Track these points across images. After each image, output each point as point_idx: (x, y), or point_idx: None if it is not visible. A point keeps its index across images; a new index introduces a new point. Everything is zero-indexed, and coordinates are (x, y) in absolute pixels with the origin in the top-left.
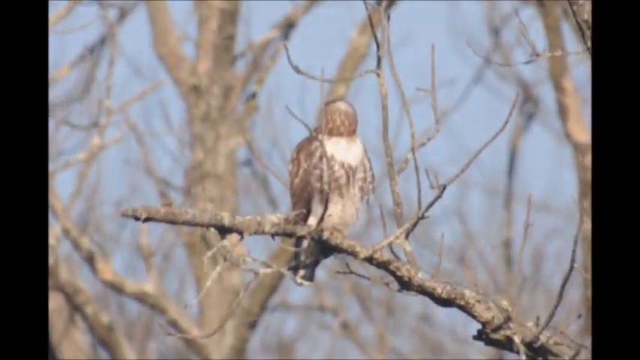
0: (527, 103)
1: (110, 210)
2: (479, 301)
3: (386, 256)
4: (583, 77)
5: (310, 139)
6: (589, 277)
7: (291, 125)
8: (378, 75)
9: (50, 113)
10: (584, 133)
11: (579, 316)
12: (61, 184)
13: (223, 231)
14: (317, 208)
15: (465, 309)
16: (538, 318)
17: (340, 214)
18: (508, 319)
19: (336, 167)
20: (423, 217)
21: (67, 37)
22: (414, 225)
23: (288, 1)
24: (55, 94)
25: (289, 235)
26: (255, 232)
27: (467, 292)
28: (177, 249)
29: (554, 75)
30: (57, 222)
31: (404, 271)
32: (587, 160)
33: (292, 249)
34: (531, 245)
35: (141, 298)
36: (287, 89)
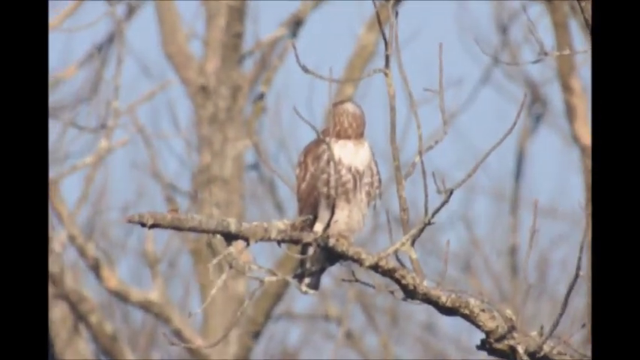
0: (535, 104)
1: (117, 215)
2: (483, 310)
3: (391, 263)
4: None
5: (318, 142)
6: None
7: (298, 126)
8: (386, 74)
9: (57, 115)
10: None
11: (583, 326)
12: (68, 189)
13: (229, 237)
14: (324, 214)
15: (469, 318)
16: (542, 327)
17: (347, 219)
18: (512, 328)
19: (344, 171)
20: (429, 224)
21: (74, 35)
22: (421, 231)
23: None
24: (62, 94)
25: (295, 241)
26: (262, 239)
27: (471, 301)
28: (182, 256)
29: (562, 74)
30: (63, 228)
31: (409, 279)
32: None
33: (298, 256)
34: (537, 252)
35: (145, 306)
36: (295, 88)
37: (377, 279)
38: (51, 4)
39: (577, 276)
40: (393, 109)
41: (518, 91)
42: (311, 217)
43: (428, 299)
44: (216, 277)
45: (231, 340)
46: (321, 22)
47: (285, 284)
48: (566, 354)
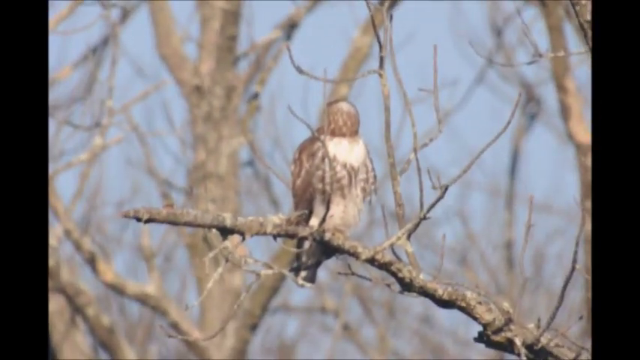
0: (530, 104)
1: (112, 211)
2: (480, 303)
3: (388, 257)
4: (585, 77)
5: (312, 140)
6: (590, 278)
7: (293, 126)
8: (380, 75)
9: (52, 114)
10: (586, 134)
11: (580, 318)
12: (63, 185)
13: (225, 232)
14: (319, 209)
15: (466, 310)
16: (539, 320)
17: (342, 214)
18: (509, 320)
19: (338, 168)
20: (424, 218)
21: (69, 38)
22: (416, 226)
23: (291, 0)
24: (57, 94)
25: (291, 236)
26: (257, 233)
27: (468, 294)
28: (178, 250)
29: (556, 75)
30: (58, 223)
31: (405, 273)
32: (589, 160)
33: (294, 250)
34: (533, 246)
35: (142, 299)
36: (289, 90)
37: (374, 272)
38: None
39: (573, 269)
40: (387, 109)
41: (512, 92)
42: (306, 212)
43: (424, 292)
44: (213, 271)
45: (228, 333)
46: (315, 25)
47: (282, 277)
48: (563, 346)
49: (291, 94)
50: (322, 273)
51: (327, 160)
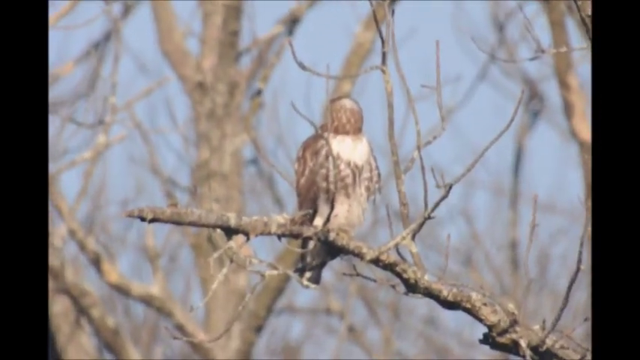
0: (533, 101)
1: (116, 210)
2: (485, 304)
3: (392, 257)
4: (588, 74)
5: (316, 138)
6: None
7: (296, 122)
8: (383, 71)
9: (55, 111)
10: (589, 131)
11: (586, 319)
12: (67, 184)
13: (229, 232)
14: (323, 208)
15: (471, 312)
16: (544, 321)
17: (346, 214)
18: (514, 322)
19: (342, 166)
20: (429, 218)
21: (71, 33)
22: (421, 225)
23: None
24: (59, 91)
25: (296, 236)
26: (262, 233)
27: (473, 295)
28: (183, 250)
29: (559, 71)
30: (63, 223)
31: (410, 273)
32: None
33: (299, 250)
34: (537, 246)
35: (147, 300)
36: (292, 86)
37: (378, 273)
38: (49, 3)
39: (578, 270)
40: (390, 106)
41: (515, 88)
42: (311, 211)
43: (429, 293)
44: (217, 272)
45: (233, 335)
46: (317, 21)
47: (287, 278)
48: (568, 348)
49: (293, 90)
50: (327, 274)
51: (330, 159)
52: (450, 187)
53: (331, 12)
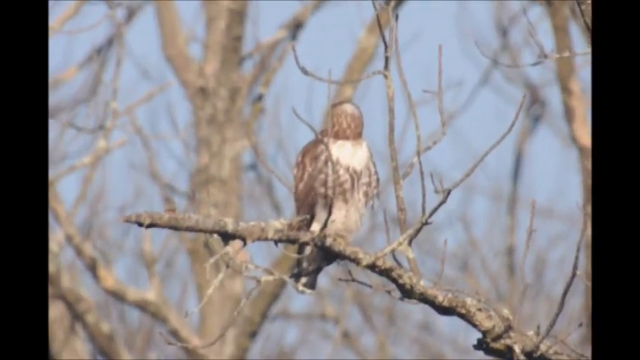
0: (534, 105)
1: (114, 215)
2: (480, 310)
3: (388, 263)
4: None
5: (316, 143)
6: (590, 284)
7: (297, 127)
8: (385, 76)
9: (56, 116)
10: (589, 137)
11: (580, 325)
12: (66, 189)
13: (227, 237)
14: (321, 214)
15: (466, 317)
16: (539, 327)
17: (344, 219)
18: (509, 327)
19: (341, 172)
20: (426, 223)
21: (74, 38)
22: (418, 231)
23: (296, 0)
24: (61, 96)
25: (292, 241)
26: (259, 239)
27: (468, 301)
28: (179, 256)
29: (561, 77)
30: (60, 228)
31: (406, 279)
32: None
33: (295, 256)
34: (534, 252)
35: (142, 306)
36: (294, 91)
37: (374, 278)
38: (51, 7)
39: (574, 276)
40: (391, 111)
41: (517, 93)
42: (308, 216)
43: (425, 299)
44: (213, 277)
45: (227, 340)
46: (321, 25)
47: (282, 284)
48: (562, 353)
49: (295, 95)
50: (322, 279)
51: (330, 164)
52: (449, 193)
53: (334, 17)
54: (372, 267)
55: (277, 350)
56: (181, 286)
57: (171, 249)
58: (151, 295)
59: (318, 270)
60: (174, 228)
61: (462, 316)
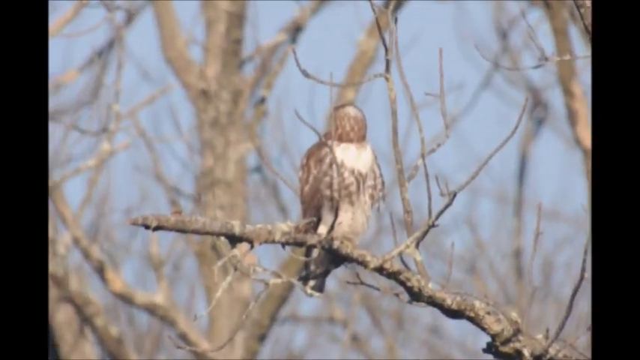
0: (537, 108)
1: (120, 218)
2: (489, 313)
3: (396, 266)
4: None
5: (320, 145)
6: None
7: (300, 130)
8: (387, 79)
9: (59, 118)
10: None
11: (589, 328)
12: (71, 191)
13: (234, 240)
14: (327, 216)
15: (475, 321)
16: (547, 330)
17: (350, 222)
18: (518, 331)
19: (346, 174)
20: (433, 226)
21: (74, 41)
22: (425, 233)
23: (296, 1)
24: (63, 98)
25: (300, 244)
26: (266, 241)
27: (477, 304)
28: (187, 258)
29: (562, 79)
30: (67, 231)
31: (414, 282)
32: None
33: (303, 258)
34: (541, 254)
35: (151, 309)
36: (296, 93)
37: (382, 281)
38: (51, 10)
39: (582, 278)
40: (394, 113)
41: (519, 96)
42: (315, 219)
43: (433, 302)
44: (221, 280)
45: (236, 343)
46: (321, 28)
47: (290, 287)
48: (572, 357)
49: (297, 98)
50: (331, 282)
51: (334, 166)
52: (455, 195)
53: (334, 20)
54: (380, 270)
55: (286, 353)
56: (189, 288)
57: (179, 252)
58: (159, 298)
59: (325, 273)
60: (181, 231)
61: (470, 319)
